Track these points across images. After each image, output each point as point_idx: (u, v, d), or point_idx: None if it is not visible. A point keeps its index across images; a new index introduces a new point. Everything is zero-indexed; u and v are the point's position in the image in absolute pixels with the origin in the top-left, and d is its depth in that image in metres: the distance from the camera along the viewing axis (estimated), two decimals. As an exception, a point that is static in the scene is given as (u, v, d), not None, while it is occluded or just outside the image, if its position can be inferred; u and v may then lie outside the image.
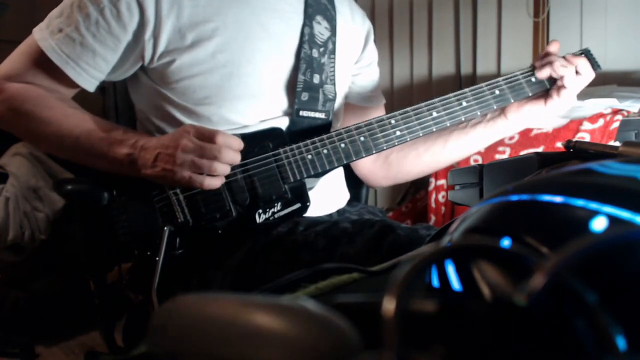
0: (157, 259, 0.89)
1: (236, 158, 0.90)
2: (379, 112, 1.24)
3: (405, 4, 2.66)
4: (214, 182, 0.89)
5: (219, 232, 0.94)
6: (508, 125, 1.10)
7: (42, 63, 0.95)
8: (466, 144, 1.13)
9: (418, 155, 1.18)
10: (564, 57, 1.04)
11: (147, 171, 0.89)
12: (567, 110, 1.59)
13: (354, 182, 1.27)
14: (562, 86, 1.02)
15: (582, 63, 1.02)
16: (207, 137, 0.86)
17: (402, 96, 2.68)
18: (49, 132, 0.94)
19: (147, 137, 0.92)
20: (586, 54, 1.07)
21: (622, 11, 2.11)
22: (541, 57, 1.06)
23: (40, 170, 2.40)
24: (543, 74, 1.03)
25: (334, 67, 1.08)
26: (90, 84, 0.97)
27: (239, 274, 0.93)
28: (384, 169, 1.22)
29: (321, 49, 1.05)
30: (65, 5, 0.95)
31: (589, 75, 1.03)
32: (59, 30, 0.93)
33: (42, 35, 0.95)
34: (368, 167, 1.23)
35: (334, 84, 1.07)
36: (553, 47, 1.06)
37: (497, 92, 1.03)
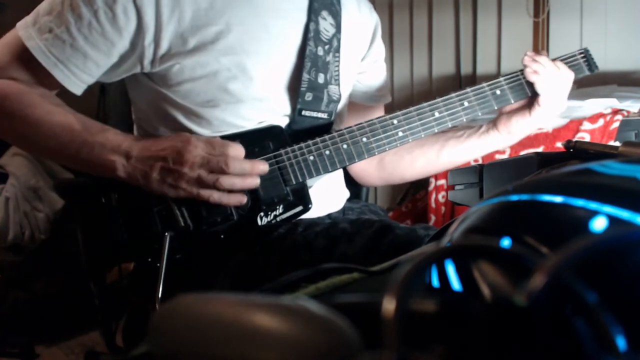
0: (158, 265, 0.88)
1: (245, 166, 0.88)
2: (381, 111, 1.24)
3: (405, 3, 2.66)
4: (225, 198, 0.88)
5: (221, 236, 0.93)
6: (500, 137, 1.10)
7: (28, 62, 0.90)
8: (460, 153, 1.13)
9: (413, 160, 1.17)
10: (553, 60, 1.03)
11: (149, 184, 0.87)
12: (567, 110, 1.59)
13: (355, 181, 1.28)
14: (536, 93, 1.02)
15: (559, 66, 1.01)
16: (221, 161, 0.86)
17: (402, 96, 2.68)
18: (30, 132, 0.89)
19: (134, 143, 0.88)
20: (585, 54, 1.07)
21: (622, 11, 2.11)
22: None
23: (40, 170, 2.40)
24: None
25: (338, 66, 1.05)
26: (77, 88, 0.92)
27: (239, 275, 0.93)
28: (379, 169, 1.22)
29: (326, 47, 1.02)
30: (55, 2, 0.90)
31: (567, 78, 1.02)
32: (49, 30, 0.88)
33: (28, 33, 0.89)
34: (362, 165, 1.22)
35: (338, 85, 1.05)
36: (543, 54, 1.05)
37: (498, 92, 1.03)
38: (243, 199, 0.90)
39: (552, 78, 1.01)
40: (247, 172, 0.88)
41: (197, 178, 0.85)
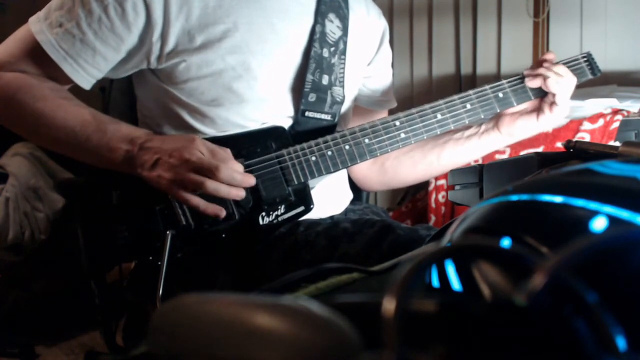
0: (159, 263, 0.88)
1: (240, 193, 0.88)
2: (384, 114, 1.23)
3: (406, 3, 2.66)
4: (203, 205, 0.86)
5: (223, 235, 0.93)
6: (501, 138, 1.09)
7: (38, 56, 0.92)
8: (460, 155, 1.13)
9: (414, 164, 1.17)
10: (557, 64, 1.02)
11: (143, 172, 0.87)
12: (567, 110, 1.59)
13: (354, 182, 1.28)
14: (554, 103, 1.01)
15: (563, 71, 1.00)
16: (213, 165, 0.84)
17: (402, 96, 2.68)
18: (41, 124, 0.91)
19: (147, 134, 0.90)
20: (588, 58, 1.06)
21: (622, 11, 2.11)
22: (536, 64, 1.03)
23: (40, 170, 2.40)
24: (533, 83, 1.01)
25: (343, 68, 1.05)
26: (86, 82, 0.94)
27: (240, 274, 0.93)
28: (380, 174, 1.22)
29: (332, 49, 1.02)
30: None
31: (571, 83, 1.01)
32: (59, 24, 0.90)
33: (39, 28, 0.91)
34: (363, 171, 1.22)
35: (342, 87, 1.05)
36: (550, 56, 1.04)
37: (500, 95, 1.02)
38: (221, 212, 0.88)
39: (570, 87, 1.00)
40: (236, 183, 0.86)
41: (184, 177, 0.84)
